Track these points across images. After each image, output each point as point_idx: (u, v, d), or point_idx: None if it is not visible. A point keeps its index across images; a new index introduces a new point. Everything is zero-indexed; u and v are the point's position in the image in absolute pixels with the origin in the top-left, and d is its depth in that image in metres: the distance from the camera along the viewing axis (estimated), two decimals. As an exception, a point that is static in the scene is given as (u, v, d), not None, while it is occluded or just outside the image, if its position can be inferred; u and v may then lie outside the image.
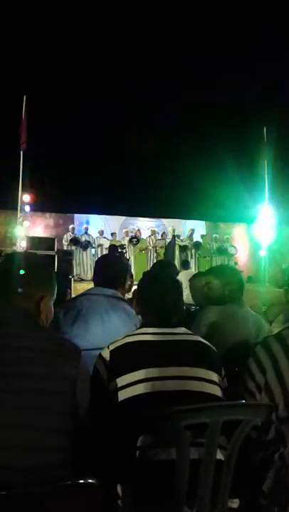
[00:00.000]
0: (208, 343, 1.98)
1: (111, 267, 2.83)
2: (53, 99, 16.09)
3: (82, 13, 17.29)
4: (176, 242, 15.31)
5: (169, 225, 17.48)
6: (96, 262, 3.09)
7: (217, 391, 1.84)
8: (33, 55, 16.28)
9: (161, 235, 16.36)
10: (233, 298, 2.92)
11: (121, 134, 16.84)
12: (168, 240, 16.21)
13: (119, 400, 1.74)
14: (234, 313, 2.86)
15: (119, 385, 1.77)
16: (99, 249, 15.43)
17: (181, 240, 16.28)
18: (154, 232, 16.33)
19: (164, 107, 17.61)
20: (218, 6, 17.50)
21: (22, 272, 1.64)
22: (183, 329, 1.97)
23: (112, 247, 12.54)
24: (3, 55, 15.44)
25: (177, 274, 4.42)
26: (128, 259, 13.95)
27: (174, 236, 15.38)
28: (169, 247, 14.66)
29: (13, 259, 1.75)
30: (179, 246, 15.88)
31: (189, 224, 17.91)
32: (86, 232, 15.60)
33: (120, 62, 17.20)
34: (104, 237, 15.90)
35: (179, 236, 16.39)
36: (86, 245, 15.16)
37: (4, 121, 13.94)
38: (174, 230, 15.86)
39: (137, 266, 14.01)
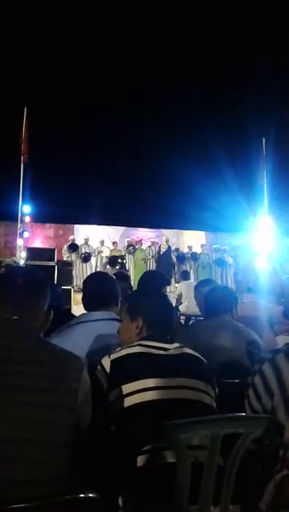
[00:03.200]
0: (199, 355, 2.00)
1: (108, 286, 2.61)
2: (53, 110, 16.18)
3: (83, 24, 17.45)
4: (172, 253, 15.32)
5: (169, 236, 17.51)
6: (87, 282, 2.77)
7: (212, 402, 1.87)
8: (33, 66, 16.40)
9: (159, 246, 16.30)
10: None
11: (122, 145, 16.90)
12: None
13: (121, 408, 1.75)
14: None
15: (120, 394, 1.77)
16: (99, 256, 15.42)
17: (177, 251, 16.30)
18: (154, 243, 16.33)
19: (164, 119, 17.71)
20: (217, 18, 17.66)
21: (22, 286, 1.68)
22: (176, 344, 2.00)
23: (113, 258, 12.54)
24: (4, 66, 15.55)
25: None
26: (128, 270, 13.97)
27: (168, 247, 15.36)
28: (163, 258, 14.64)
29: (13, 273, 1.79)
30: (175, 256, 15.92)
31: (188, 234, 17.95)
32: (86, 243, 15.60)
33: (119, 71, 17.32)
34: (106, 246, 15.92)
35: (177, 249, 16.44)
36: (87, 257, 15.16)
37: (5, 132, 14.00)
38: (167, 241, 15.78)
39: (137, 276, 14.00)
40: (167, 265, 13.96)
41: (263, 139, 15.24)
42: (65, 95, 16.76)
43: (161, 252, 15.40)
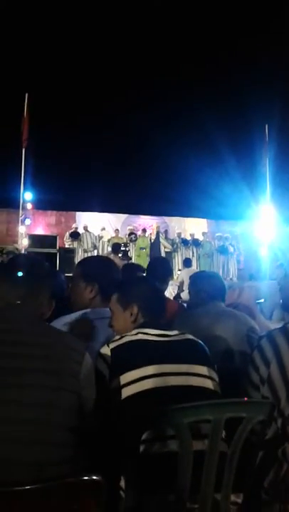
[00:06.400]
0: (200, 341, 2.00)
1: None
2: (54, 96, 16.07)
3: (84, 11, 17.28)
4: (161, 240, 15.19)
5: (169, 223, 17.48)
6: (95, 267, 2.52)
7: (215, 387, 1.87)
8: (33, 53, 16.26)
9: (150, 234, 16.04)
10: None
11: (123, 132, 16.82)
12: (171, 238, 16.19)
13: (124, 396, 1.75)
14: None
15: (123, 381, 1.77)
16: (100, 242, 15.39)
17: (179, 236, 16.23)
18: (156, 228, 16.12)
19: (165, 106, 17.60)
20: (219, 6, 17.47)
21: (25, 273, 1.72)
22: (177, 331, 2.00)
23: (116, 245, 12.50)
24: (4, 53, 15.44)
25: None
26: (130, 258, 13.96)
27: (157, 233, 15.25)
28: (154, 245, 14.54)
29: (17, 261, 1.86)
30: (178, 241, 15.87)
31: (190, 222, 17.92)
32: (86, 230, 15.56)
33: (122, 59, 17.19)
34: (106, 231, 15.86)
35: (179, 234, 16.38)
36: (75, 234, 15.06)
37: (6, 120, 13.93)
38: (158, 227, 15.66)
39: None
40: (157, 255, 13.69)
41: (266, 126, 15.15)
42: (66, 82, 16.65)
43: (152, 240, 15.19)
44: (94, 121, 16.85)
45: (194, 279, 3.22)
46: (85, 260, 3.04)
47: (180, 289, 10.30)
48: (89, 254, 13.84)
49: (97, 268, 2.50)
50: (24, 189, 14.32)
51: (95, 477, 1.33)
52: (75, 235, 15.16)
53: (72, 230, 15.44)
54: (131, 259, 13.98)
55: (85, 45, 17.06)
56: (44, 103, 15.04)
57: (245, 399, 1.91)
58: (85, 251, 14.80)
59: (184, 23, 17.83)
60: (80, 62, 16.97)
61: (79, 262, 2.94)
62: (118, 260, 9.46)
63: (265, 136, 15.22)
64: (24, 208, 14.46)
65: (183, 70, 16.85)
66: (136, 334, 1.90)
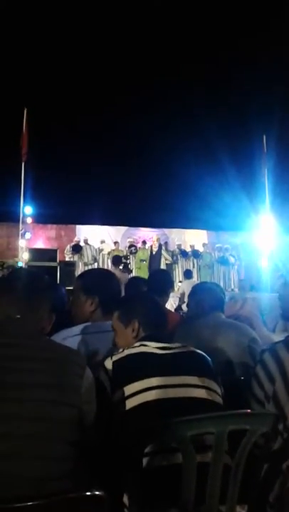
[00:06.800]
0: (203, 353, 2.00)
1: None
2: (53, 110, 16.18)
3: (82, 25, 17.44)
4: (162, 253, 15.22)
5: (169, 234, 17.50)
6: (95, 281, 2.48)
7: (218, 399, 1.86)
8: (33, 66, 16.39)
9: (151, 246, 16.01)
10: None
11: (122, 145, 16.91)
12: (170, 250, 16.20)
13: (126, 408, 1.74)
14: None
15: (125, 394, 1.77)
16: (100, 255, 15.38)
17: (179, 248, 16.25)
18: (157, 240, 16.13)
19: (165, 118, 17.70)
20: (218, 14, 17.63)
21: (25, 287, 1.73)
22: (177, 343, 2.00)
23: (116, 258, 12.49)
24: (3, 67, 15.56)
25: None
26: (131, 271, 13.94)
27: (160, 245, 15.28)
28: (153, 261, 14.55)
29: (17, 275, 1.90)
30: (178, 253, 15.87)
31: (190, 234, 17.94)
32: (87, 243, 15.56)
33: (120, 70, 17.31)
34: (107, 244, 15.87)
35: (179, 245, 16.41)
36: (77, 247, 15.07)
37: (5, 134, 14.01)
38: (158, 239, 15.70)
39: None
40: (157, 267, 13.66)
41: (264, 137, 15.23)
42: (65, 95, 16.76)
43: (154, 252, 15.20)
44: (93, 135, 16.95)
45: (194, 290, 3.23)
46: (85, 273, 3.03)
47: (181, 300, 10.28)
48: (89, 267, 13.83)
49: (98, 281, 2.49)
50: (24, 203, 14.35)
51: (96, 492, 1.32)
52: (77, 248, 15.16)
53: (74, 243, 15.44)
54: (131, 271, 13.96)
55: (84, 56, 17.20)
56: (43, 117, 15.14)
57: (248, 411, 1.89)
58: (86, 264, 14.80)
59: (183, 30, 17.97)
60: (78, 76, 17.11)
61: (79, 275, 2.93)
62: (119, 273, 9.45)
63: (264, 146, 15.29)
64: (24, 222, 14.49)
65: (182, 80, 16.99)
66: (138, 346, 1.90)
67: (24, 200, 14.28)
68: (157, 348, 1.90)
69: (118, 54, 17.36)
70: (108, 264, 13.74)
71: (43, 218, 16.16)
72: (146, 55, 17.24)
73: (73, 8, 16.98)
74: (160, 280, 3.93)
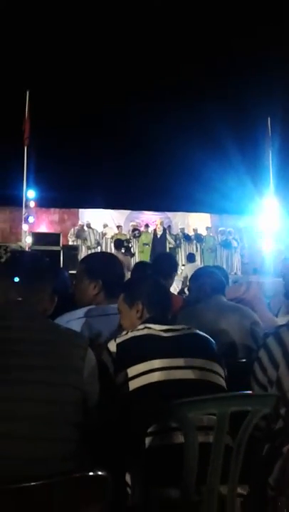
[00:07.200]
0: (206, 335, 2.00)
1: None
2: (55, 94, 16.04)
3: (86, 7, 17.23)
4: (166, 236, 15.19)
5: (172, 218, 17.43)
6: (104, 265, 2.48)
7: (221, 381, 1.87)
8: (35, 50, 16.22)
9: (154, 230, 15.95)
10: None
11: (125, 127, 16.78)
12: (174, 233, 16.16)
13: (129, 390, 1.76)
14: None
15: (128, 375, 1.78)
16: (104, 239, 15.36)
17: (182, 231, 16.21)
18: (161, 224, 16.07)
19: (168, 100, 17.53)
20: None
21: (26, 269, 1.72)
22: (181, 325, 2.01)
23: (118, 242, 12.48)
24: (5, 50, 15.41)
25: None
26: (134, 254, 13.95)
27: (164, 229, 15.23)
28: (157, 244, 14.53)
29: (18, 258, 1.86)
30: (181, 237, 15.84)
31: (193, 217, 17.87)
32: (89, 227, 15.52)
33: (123, 54, 17.12)
34: (110, 227, 15.84)
35: (182, 229, 16.36)
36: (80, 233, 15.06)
37: (7, 117, 13.92)
38: (162, 223, 15.65)
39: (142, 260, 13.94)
40: (162, 251, 13.67)
41: (268, 119, 15.09)
42: (68, 79, 16.61)
43: (158, 236, 15.17)
44: (95, 118, 16.83)
45: (195, 274, 3.24)
46: (88, 257, 3.04)
47: (184, 284, 10.29)
48: (92, 251, 13.82)
49: (101, 264, 2.50)
50: (27, 187, 14.34)
51: (100, 472, 1.33)
52: (80, 236, 15.11)
53: (77, 227, 15.40)
54: (134, 255, 13.96)
55: (87, 40, 17.01)
56: (45, 100, 15.02)
57: (250, 392, 1.90)
58: (89, 248, 14.79)
59: (185, 17, 17.74)
60: (81, 59, 16.94)
61: (82, 259, 2.94)
62: (121, 256, 9.45)
63: (268, 129, 15.15)
64: (27, 206, 14.48)
65: (185, 64, 16.80)
66: (142, 329, 1.91)
67: (27, 184, 14.27)
68: (161, 330, 1.91)
69: (121, 36, 17.17)
70: (111, 248, 13.71)
71: (46, 202, 16.12)
72: (150, 38, 17.05)
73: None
74: (165, 263, 3.95)
